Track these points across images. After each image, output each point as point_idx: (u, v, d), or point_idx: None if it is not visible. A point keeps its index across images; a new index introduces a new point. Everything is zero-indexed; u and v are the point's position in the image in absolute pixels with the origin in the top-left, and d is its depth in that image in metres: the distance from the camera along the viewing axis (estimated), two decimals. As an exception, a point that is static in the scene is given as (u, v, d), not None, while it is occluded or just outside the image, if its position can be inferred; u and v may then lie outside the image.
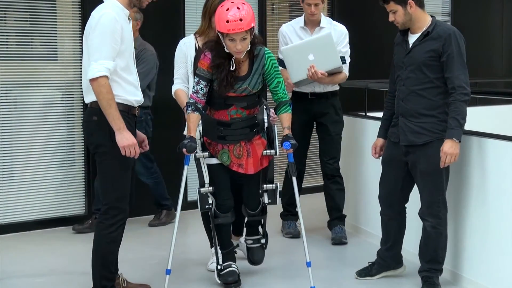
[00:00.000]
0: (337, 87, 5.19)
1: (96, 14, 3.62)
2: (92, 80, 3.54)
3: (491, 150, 4.03)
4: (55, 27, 5.67)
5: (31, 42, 5.70)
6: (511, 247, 3.90)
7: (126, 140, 3.58)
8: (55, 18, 5.69)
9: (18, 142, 5.59)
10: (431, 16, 4.01)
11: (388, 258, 4.34)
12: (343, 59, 4.88)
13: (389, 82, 4.29)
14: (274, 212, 4.76)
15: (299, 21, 5.15)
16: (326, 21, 5.11)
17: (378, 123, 4.42)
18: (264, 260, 4.40)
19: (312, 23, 5.08)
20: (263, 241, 4.33)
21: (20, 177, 5.59)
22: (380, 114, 5.03)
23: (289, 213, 5.30)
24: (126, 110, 3.68)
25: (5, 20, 5.64)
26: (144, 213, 5.93)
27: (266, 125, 4.15)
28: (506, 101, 5.88)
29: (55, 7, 5.67)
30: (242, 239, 4.63)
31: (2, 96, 5.55)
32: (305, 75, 4.83)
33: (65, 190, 5.72)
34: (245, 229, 4.48)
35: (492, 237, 4.02)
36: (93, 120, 3.67)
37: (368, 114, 5.42)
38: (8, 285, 4.42)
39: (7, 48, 5.61)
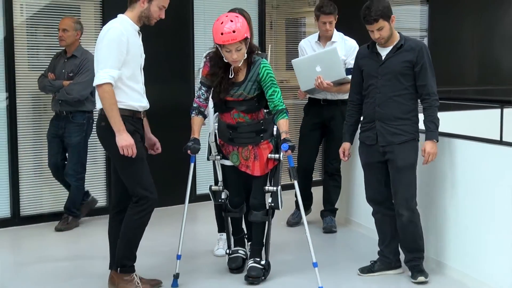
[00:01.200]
0: (347, 96, 5.25)
1: (105, 27, 3.73)
2: (97, 86, 3.63)
3: (464, 150, 4.12)
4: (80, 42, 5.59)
5: (59, 55, 5.73)
6: (487, 237, 3.95)
7: (124, 141, 3.63)
8: (80, 34, 5.72)
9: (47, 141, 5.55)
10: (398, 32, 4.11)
11: (389, 254, 4.26)
12: (351, 70, 4.92)
13: (351, 92, 4.33)
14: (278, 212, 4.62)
15: (315, 36, 5.36)
16: (338, 36, 5.25)
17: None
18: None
19: (325, 38, 5.26)
20: (263, 262, 4.18)
21: (50, 173, 5.58)
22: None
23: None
24: (130, 115, 3.75)
25: (35, 35, 5.74)
26: (159, 205, 6.01)
27: (275, 133, 4.12)
28: (477, 107, 5.94)
29: (79, 23, 5.70)
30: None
31: (34, 102, 5.67)
32: (313, 85, 5.00)
33: (88, 184, 5.69)
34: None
35: (471, 228, 4.08)
36: (102, 125, 3.75)
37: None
38: (34, 269, 4.51)
39: (37, 60, 5.73)
